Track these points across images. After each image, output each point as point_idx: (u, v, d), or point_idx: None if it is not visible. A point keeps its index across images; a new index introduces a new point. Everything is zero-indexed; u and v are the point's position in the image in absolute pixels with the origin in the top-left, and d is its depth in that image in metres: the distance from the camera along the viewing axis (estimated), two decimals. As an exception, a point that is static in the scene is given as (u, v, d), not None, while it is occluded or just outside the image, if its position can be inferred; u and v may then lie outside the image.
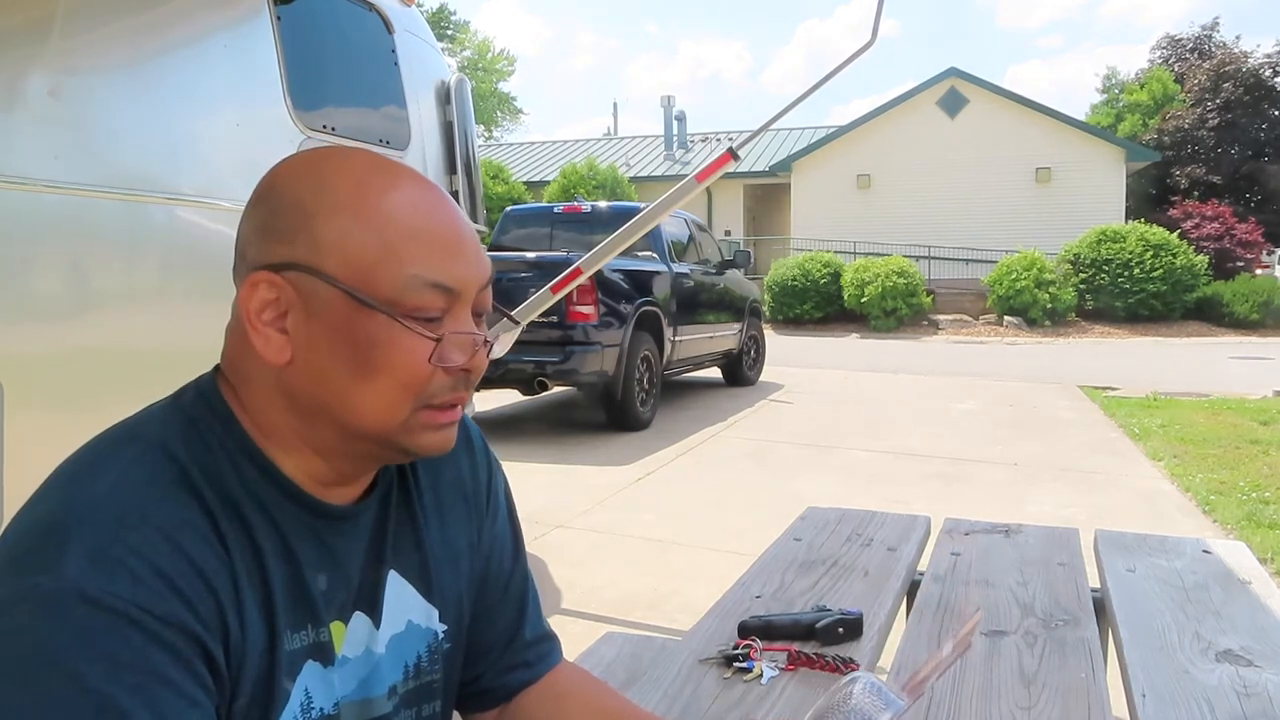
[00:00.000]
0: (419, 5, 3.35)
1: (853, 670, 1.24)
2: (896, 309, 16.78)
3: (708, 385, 9.11)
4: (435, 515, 0.84)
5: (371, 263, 0.67)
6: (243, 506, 0.69)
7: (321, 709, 0.72)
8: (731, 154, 2.73)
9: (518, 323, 0.77)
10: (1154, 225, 17.27)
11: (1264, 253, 20.49)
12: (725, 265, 8.78)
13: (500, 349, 0.82)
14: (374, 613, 0.77)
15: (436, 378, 0.69)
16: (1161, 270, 16.19)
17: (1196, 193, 22.98)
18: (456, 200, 3.28)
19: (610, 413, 6.68)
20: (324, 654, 0.72)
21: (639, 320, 6.74)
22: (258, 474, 0.70)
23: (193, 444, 0.69)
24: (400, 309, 0.67)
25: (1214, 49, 26.67)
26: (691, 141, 26.28)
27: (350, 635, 0.75)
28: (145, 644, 0.59)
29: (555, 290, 2.99)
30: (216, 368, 0.75)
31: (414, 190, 0.70)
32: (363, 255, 0.67)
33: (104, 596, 0.58)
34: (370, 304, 0.67)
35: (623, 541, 4.00)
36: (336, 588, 0.74)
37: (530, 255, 6.75)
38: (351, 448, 0.72)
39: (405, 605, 0.80)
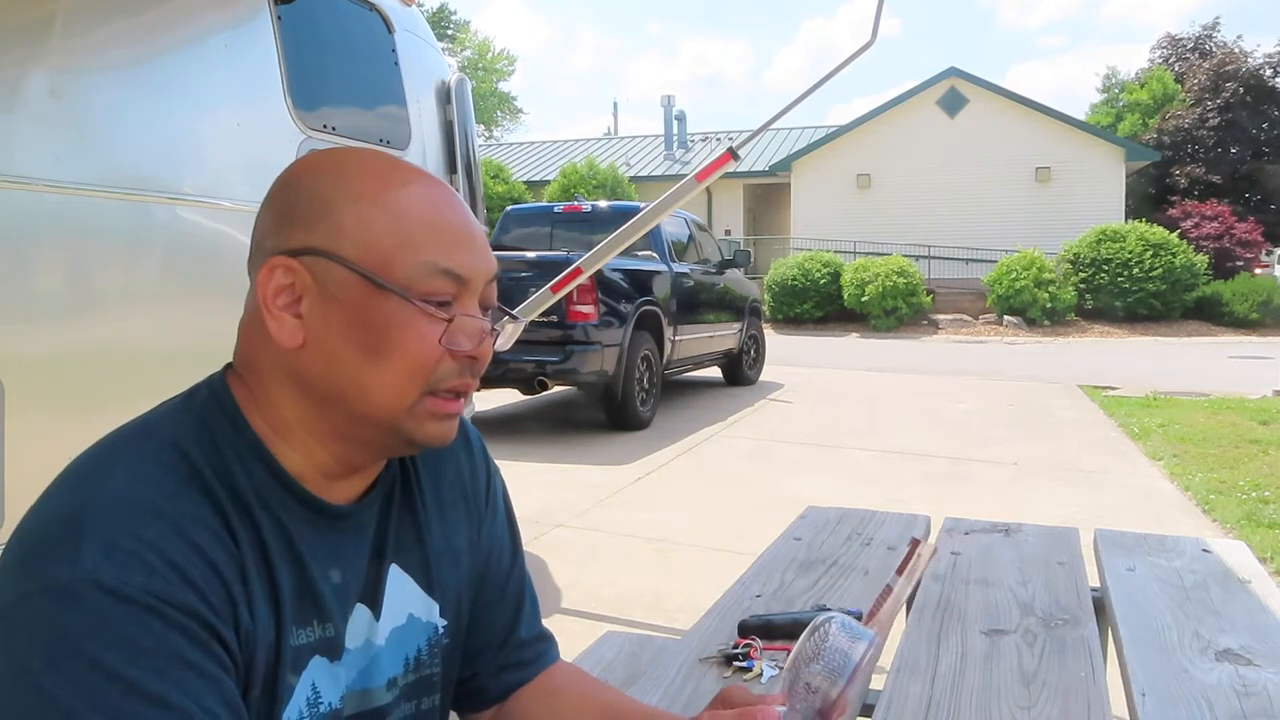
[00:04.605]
0: (419, 5, 3.35)
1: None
2: (896, 308, 16.79)
3: (708, 385, 9.11)
4: (437, 512, 0.85)
5: (389, 249, 0.70)
6: (251, 505, 0.70)
7: (330, 704, 0.73)
8: (731, 154, 2.73)
9: (518, 319, 0.81)
10: (1154, 225, 17.28)
11: (1263, 252, 20.49)
12: (725, 265, 8.78)
13: (504, 342, 0.88)
14: (375, 605, 0.78)
15: (444, 363, 0.72)
16: (1161, 270, 16.19)
17: (1196, 192, 22.99)
18: (457, 200, 3.31)
19: (610, 412, 6.68)
20: (332, 649, 0.74)
21: (639, 320, 6.74)
22: (265, 474, 0.72)
23: (204, 443, 0.70)
24: (414, 293, 0.70)
25: (1214, 49, 26.68)
26: (691, 141, 26.28)
27: (351, 627, 0.76)
28: (165, 630, 0.61)
29: (555, 290, 2.99)
30: (229, 365, 0.77)
31: (430, 186, 0.75)
32: (381, 242, 0.70)
33: (121, 586, 0.60)
34: (387, 286, 0.70)
35: (623, 541, 4.00)
36: (349, 582, 0.76)
37: (530, 254, 6.74)
38: (358, 434, 0.73)
39: (406, 598, 0.81)
